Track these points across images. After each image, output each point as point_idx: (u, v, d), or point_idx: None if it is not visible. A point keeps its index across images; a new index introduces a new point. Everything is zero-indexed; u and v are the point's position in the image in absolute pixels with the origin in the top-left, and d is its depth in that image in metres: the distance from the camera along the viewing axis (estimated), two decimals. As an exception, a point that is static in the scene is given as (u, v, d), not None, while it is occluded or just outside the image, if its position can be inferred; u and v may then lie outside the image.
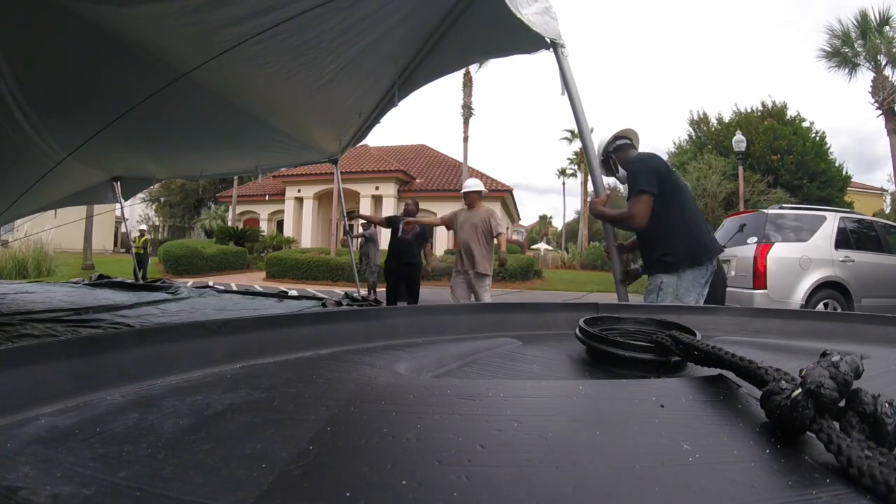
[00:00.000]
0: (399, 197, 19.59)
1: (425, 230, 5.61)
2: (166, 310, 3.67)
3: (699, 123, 19.10)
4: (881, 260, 6.05)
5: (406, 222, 5.32)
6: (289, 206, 21.73)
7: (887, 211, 20.18)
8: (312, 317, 0.68)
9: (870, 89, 14.74)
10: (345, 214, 5.56)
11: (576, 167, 32.50)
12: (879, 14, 14.55)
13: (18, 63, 2.59)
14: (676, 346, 0.52)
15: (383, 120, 4.14)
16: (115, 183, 5.75)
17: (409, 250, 5.39)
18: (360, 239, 9.20)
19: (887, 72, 14.56)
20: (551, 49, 2.52)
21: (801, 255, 5.69)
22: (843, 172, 17.28)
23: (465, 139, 20.26)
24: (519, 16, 2.29)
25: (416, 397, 0.42)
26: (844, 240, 5.93)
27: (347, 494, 0.25)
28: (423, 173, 21.78)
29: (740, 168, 13.26)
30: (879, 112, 14.46)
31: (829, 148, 17.01)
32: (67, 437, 0.33)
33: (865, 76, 15.12)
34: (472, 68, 19.69)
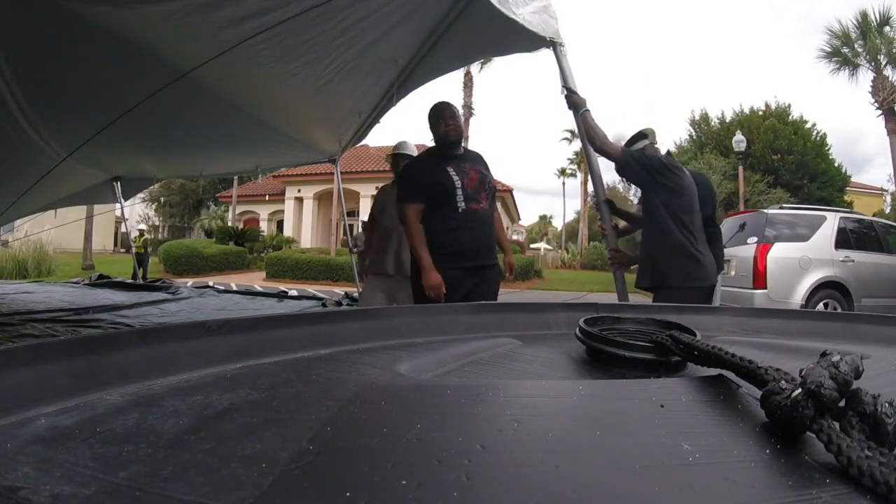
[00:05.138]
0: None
1: (492, 180, 2.51)
2: (166, 310, 3.68)
3: (700, 123, 19.08)
4: (881, 260, 6.05)
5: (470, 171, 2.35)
6: (289, 206, 21.71)
7: (887, 211, 20.18)
8: (312, 317, 0.68)
9: (870, 89, 14.76)
10: (345, 214, 5.26)
11: (576, 167, 32.44)
12: (879, 14, 14.57)
13: (18, 63, 2.59)
14: (676, 346, 0.52)
15: (383, 120, 4.14)
16: (115, 183, 5.75)
17: (486, 233, 2.37)
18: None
19: (887, 72, 14.57)
20: (551, 48, 2.52)
21: (801, 255, 5.69)
22: (843, 172, 17.28)
23: (466, 139, 20.26)
24: (513, 17, 2.28)
25: (416, 397, 0.42)
26: (844, 240, 5.93)
27: (347, 494, 0.25)
28: (423, 173, 21.73)
29: (740, 168, 13.25)
30: (879, 112, 14.48)
31: (829, 148, 17.03)
32: (67, 437, 0.33)
33: (858, 76, 15.17)
34: (474, 69, 19.73)
